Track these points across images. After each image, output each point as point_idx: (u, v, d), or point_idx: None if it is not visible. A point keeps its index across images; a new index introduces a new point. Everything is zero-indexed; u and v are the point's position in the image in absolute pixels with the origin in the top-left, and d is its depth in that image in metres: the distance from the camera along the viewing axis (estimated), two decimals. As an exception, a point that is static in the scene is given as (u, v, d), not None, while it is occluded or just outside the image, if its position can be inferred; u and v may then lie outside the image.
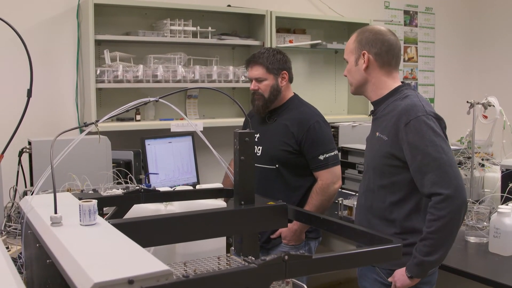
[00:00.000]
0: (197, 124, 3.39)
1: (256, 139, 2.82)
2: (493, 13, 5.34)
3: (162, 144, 3.53)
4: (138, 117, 3.70)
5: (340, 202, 2.94)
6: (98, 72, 3.49)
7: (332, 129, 3.99)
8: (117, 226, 1.41)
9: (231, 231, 1.62)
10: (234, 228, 1.61)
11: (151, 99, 1.77)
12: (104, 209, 1.98)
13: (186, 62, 3.86)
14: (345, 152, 3.61)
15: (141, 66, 3.59)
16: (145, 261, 1.03)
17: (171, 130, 3.58)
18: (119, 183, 2.98)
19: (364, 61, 2.16)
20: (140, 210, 2.00)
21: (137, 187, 1.94)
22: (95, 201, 1.38)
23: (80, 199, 1.84)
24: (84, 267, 1.01)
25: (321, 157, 2.77)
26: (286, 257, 1.06)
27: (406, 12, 5.09)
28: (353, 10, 4.69)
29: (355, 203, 2.90)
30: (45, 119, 3.62)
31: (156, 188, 1.98)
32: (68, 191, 2.83)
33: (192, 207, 2.06)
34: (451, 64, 5.41)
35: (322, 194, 2.76)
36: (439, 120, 2.06)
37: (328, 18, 4.49)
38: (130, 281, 0.93)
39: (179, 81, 3.73)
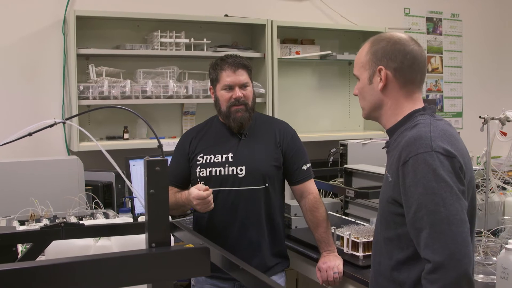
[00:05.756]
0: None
1: (231, 159, 2.48)
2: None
3: (149, 165, 3.27)
4: (126, 135, 3.46)
5: (332, 231, 2.60)
6: (81, 88, 3.28)
7: (341, 147, 3.66)
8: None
9: (139, 279, 1.33)
10: (143, 276, 1.32)
11: (57, 121, 1.50)
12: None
13: (180, 77, 3.61)
14: (349, 173, 3.26)
15: (128, 81, 3.36)
16: None
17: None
18: (93, 208, 2.76)
19: (381, 79, 1.71)
20: (66, 247, 1.74)
21: (59, 220, 1.67)
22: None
23: (-11, 234, 1.61)
24: None
25: (305, 167, 2.56)
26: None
27: (429, 19, 4.69)
28: (368, 18, 4.33)
29: (348, 233, 2.57)
30: (30, 138, 3.43)
31: (82, 222, 1.71)
32: (31, 217, 2.62)
33: (129, 242, 1.79)
34: (482, 74, 4.97)
35: (322, 204, 2.55)
36: (451, 158, 1.57)
37: (339, 27, 4.17)
38: None
39: (170, 97, 3.49)
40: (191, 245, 1.39)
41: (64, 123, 1.52)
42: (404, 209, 1.60)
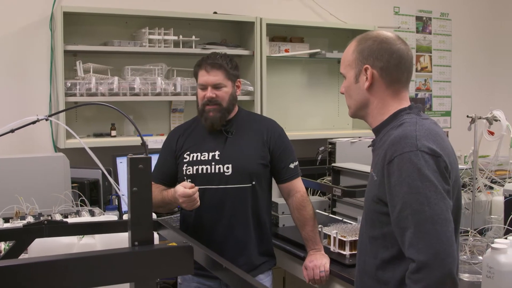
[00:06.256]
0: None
1: (217, 157, 2.47)
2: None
3: (136, 162, 3.25)
4: (113, 132, 3.44)
5: (319, 230, 2.59)
6: (68, 84, 3.25)
7: (329, 146, 3.66)
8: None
9: (121, 278, 1.32)
10: (125, 275, 1.30)
11: (40, 118, 1.48)
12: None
13: (168, 74, 3.60)
14: (337, 172, 3.26)
15: (116, 78, 3.34)
16: None
17: (149, 147, 3.31)
18: (78, 205, 2.74)
19: (367, 78, 1.71)
20: (49, 245, 1.73)
21: (43, 218, 1.66)
22: None
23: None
24: None
25: (292, 166, 2.55)
26: None
27: (418, 18, 4.69)
28: (358, 17, 4.33)
29: (335, 231, 2.56)
30: (17, 135, 3.40)
31: (66, 220, 1.70)
32: (16, 214, 2.59)
33: (114, 240, 1.78)
34: (471, 74, 4.97)
35: (309, 203, 2.54)
36: (437, 157, 1.57)
37: (329, 25, 4.16)
38: None
39: (158, 94, 3.47)
40: (174, 244, 1.38)
41: (46, 120, 1.50)
42: (389, 208, 1.60)
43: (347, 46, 1.80)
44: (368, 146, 1.83)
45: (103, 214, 2.51)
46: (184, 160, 2.48)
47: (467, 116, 2.71)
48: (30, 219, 2.36)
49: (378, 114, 1.75)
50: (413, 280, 1.52)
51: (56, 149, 3.43)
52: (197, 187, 2.29)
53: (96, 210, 2.56)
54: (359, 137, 3.74)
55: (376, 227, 1.68)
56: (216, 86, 2.45)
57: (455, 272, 1.54)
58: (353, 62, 1.75)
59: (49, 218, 2.26)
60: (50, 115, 1.51)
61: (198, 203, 2.29)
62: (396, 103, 1.73)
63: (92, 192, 3.02)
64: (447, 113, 4.88)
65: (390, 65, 1.70)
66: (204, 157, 2.46)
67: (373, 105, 1.75)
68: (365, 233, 1.74)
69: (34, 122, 1.48)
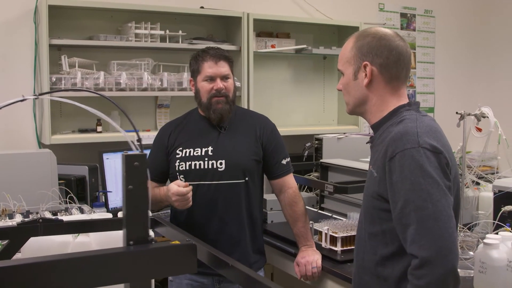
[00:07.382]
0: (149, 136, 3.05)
1: (211, 153, 2.45)
2: (500, 16, 4.94)
3: (122, 159, 3.22)
4: (99, 128, 3.39)
5: (310, 226, 2.59)
6: (53, 79, 3.19)
7: (316, 142, 3.65)
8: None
9: (117, 279, 1.28)
10: (121, 275, 1.27)
11: (27, 97, 1.43)
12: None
13: (154, 69, 3.56)
14: (325, 168, 3.26)
15: (102, 73, 3.29)
16: None
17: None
18: (67, 202, 2.69)
19: (366, 75, 1.70)
20: (44, 243, 1.69)
21: (38, 217, 1.62)
22: None
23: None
24: None
25: (284, 162, 2.55)
26: None
27: (403, 15, 4.72)
28: (343, 13, 4.34)
29: (326, 227, 2.56)
30: (1, 131, 3.34)
31: (61, 218, 1.67)
32: (3, 212, 2.54)
33: (109, 238, 1.75)
34: (454, 71, 5.02)
35: (301, 199, 2.54)
36: (438, 154, 1.57)
37: (315, 21, 4.15)
38: None
39: (145, 89, 3.43)
40: (177, 242, 1.35)
41: (36, 98, 1.45)
42: (390, 205, 1.60)
43: (345, 43, 1.79)
44: (367, 143, 1.83)
45: (93, 212, 2.47)
46: (177, 156, 2.46)
47: (456, 113, 2.73)
48: (18, 217, 2.31)
49: (377, 110, 1.74)
50: (415, 276, 1.52)
51: (41, 145, 3.37)
52: (191, 187, 2.27)
53: (85, 207, 2.52)
54: (345, 133, 3.74)
55: (376, 223, 1.68)
56: (224, 78, 2.44)
57: (457, 268, 1.55)
58: (351, 58, 1.73)
59: (38, 215, 2.21)
60: (40, 94, 1.47)
61: (191, 203, 2.27)
62: (395, 99, 1.73)
63: (78, 189, 2.98)
64: (430, 110, 4.92)
65: (389, 61, 1.70)
66: (197, 152, 2.44)
67: (372, 102, 1.74)
68: (364, 229, 1.74)
69: (22, 100, 1.43)
